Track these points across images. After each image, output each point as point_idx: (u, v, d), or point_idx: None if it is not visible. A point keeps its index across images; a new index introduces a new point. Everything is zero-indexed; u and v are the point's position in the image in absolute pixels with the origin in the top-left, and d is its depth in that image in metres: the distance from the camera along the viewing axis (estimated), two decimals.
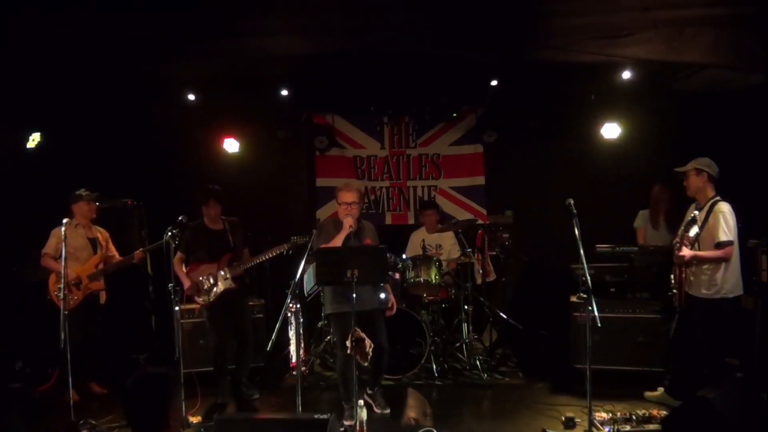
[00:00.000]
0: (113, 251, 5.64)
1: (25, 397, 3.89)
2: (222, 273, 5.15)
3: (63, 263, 4.56)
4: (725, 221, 4.44)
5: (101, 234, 5.61)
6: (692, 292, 4.62)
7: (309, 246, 4.58)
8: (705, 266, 4.55)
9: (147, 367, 2.51)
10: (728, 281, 4.52)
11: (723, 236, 4.43)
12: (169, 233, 4.66)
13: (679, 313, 4.79)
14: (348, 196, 4.73)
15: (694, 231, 4.43)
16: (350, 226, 4.65)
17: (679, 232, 4.67)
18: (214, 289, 5.14)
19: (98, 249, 5.47)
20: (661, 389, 4.96)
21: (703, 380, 4.50)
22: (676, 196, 5.81)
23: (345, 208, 4.73)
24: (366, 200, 7.29)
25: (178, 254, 5.16)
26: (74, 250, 5.22)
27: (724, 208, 4.50)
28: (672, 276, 4.75)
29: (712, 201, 4.57)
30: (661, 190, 5.89)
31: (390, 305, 5.03)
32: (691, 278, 4.61)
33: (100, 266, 5.41)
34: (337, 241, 4.67)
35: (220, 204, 5.21)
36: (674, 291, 4.71)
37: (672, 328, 4.91)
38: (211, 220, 5.25)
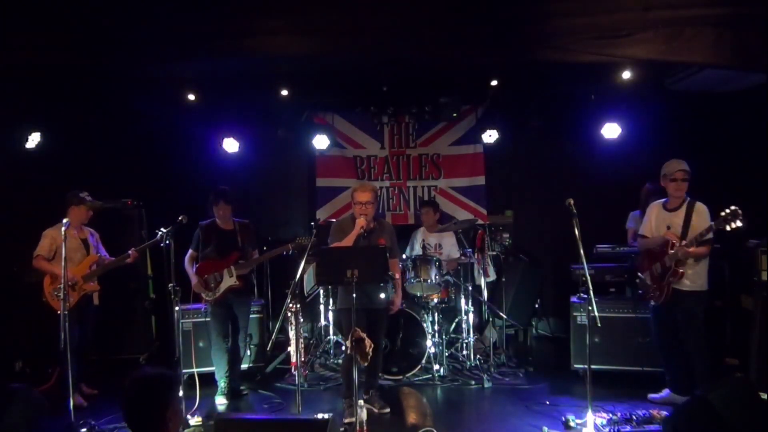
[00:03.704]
0: (103, 250, 5.61)
1: (27, 396, 3.88)
2: (228, 271, 5.24)
3: (63, 263, 4.55)
4: (708, 219, 4.61)
5: (92, 234, 5.56)
6: (679, 287, 4.70)
7: (310, 246, 4.59)
8: (693, 262, 4.68)
9: (144, 368, 2.50)
10: (704, 275, 4.72)
11: (710, 234, 4.55)
12: (161, 233, 4.69)
13: (660, 312, 4.84)
14: (363, 196, 4.77)
15: (710, 236, 4.51)
16: (362, 227, 4.68)
17: (690, 233, 4.67)
18: (220, 285, 5.24)
19: (90, 249, 5.43)
20: (665, 390, 4.96)
21: (697, 376, 4.56)
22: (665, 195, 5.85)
23: (359, 208, 4.77)
24: None
25: (190, 252, 5.34)
26: (68, 251, 5.10)
27: (704, 207, 4.70)
28: (648, 273, 4.85)
29: (687, 201, 4.75)
30: (652, 189, 5.91)
31: (392, 304, 5.09)
32: (687, 273, 4.68)
33: (94, 267, 5.39)
34: (348, 241, 4.70)
35: (229, 205, 5.31)
36: (653, 287, 4.81)
37: (654, 330, 4.97)
38: (222, 220, 5.34)
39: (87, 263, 5.34)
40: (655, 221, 4.90)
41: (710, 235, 4.52)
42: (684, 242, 4.60)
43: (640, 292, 5.07)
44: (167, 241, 4.70)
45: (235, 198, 5.36)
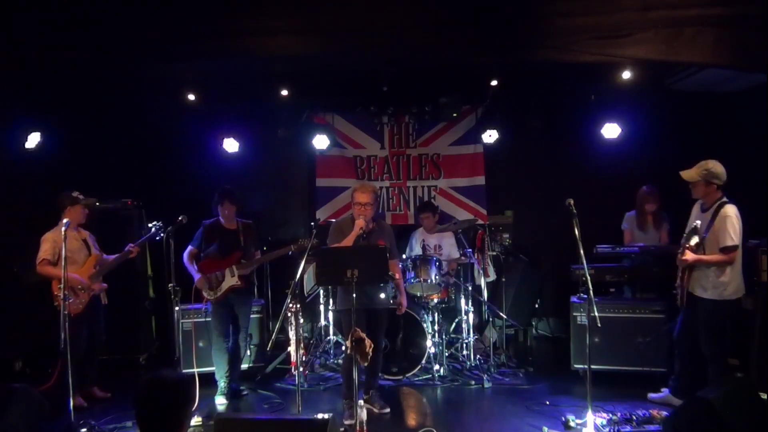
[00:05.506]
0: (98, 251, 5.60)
1: (27, 396, 3.88)
2: (230, 270, 5.26)
3: (63, 263, 4.54)
4: (731, 226, 4.43)
5: (90, 236, 5.51)
6: (696, 293, 4.62)
7: (310, 246, 4.60)
8: (710, 268, 4.54)
9: (165, 370, 2.45)
10: (732, 283, 4.53)
11: (729, 241, 4.43)
12: (154, 226, 4.67)
13: (681, 313, 4.80)
14: (362, 197, 4.77)
15: (694, 240, 4.43)
16: (361, 228, 4.68)
17: (684, 237, 4.65)
18: (221, 284, 5.25)
19: (92, 249, 5.40)
20: (665, 390, 4.95)
21: (706, 380, 4.53)
22: (662, 197, 5.84)
23: (359, 209, 4.77)
24: None
25: (190, 248, 5.32)
26: (71, 253, 5.00)
27: (731, 211, 4.47)
28: (678, 275, 4.77)
29: (718, 203, 4.56)
30: (647, 192, 5.90)
31: (399, 305, 5.14)
32: (696, 280, 4.61)
33: (97, 267, 5.36)
34: (348, 242, 4.70)
35: (234, 205, 5.33)
36: (678, 290, 4.73)
37: (675, 327, 4.93)
38: (227, 220, 5.37)
39: (90, 263, 5.32)
40: (690, 221, 4.79)
41: (729, 243, 4.41)
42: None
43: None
44: (161, 234, 4.69)
45: (239, 198, 5.38)
